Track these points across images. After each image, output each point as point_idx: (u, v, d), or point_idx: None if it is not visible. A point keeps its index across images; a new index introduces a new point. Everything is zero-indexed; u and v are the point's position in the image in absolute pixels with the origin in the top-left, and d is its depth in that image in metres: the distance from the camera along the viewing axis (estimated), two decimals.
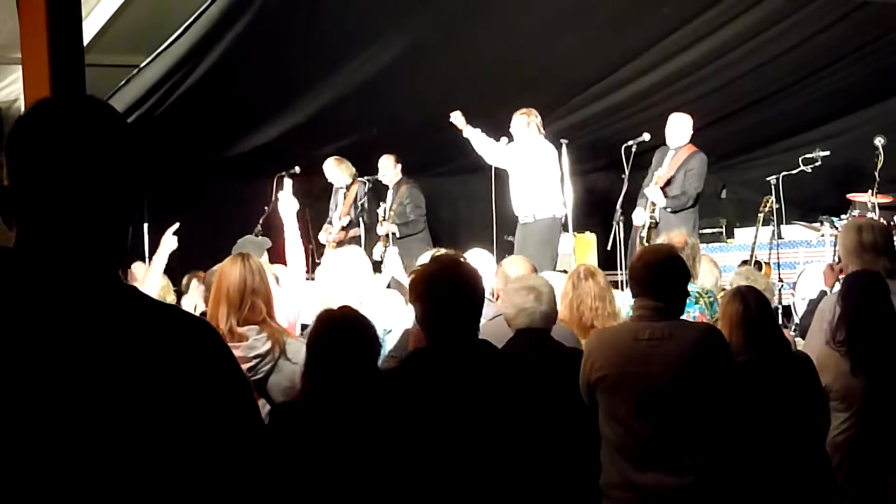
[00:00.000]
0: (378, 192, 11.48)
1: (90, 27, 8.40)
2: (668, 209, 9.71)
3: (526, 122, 9.91)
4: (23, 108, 9.55)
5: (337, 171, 11.51)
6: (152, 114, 10.27)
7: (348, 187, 11.56)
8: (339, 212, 11.54)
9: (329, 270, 5.77)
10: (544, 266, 8.81)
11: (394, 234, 11.12)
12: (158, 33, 9.07)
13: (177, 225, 5.57)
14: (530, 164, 9.86)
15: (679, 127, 9.95)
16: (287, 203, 5.89)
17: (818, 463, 4.66)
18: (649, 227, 9.73)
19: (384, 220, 11.18)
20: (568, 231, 9.71)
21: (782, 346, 4.80)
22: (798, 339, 6.64)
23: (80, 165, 1.72)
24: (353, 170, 11.56)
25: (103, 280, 1.75)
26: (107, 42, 8.88)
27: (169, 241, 5.50)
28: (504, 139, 10.12)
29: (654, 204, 9.77)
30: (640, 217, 9.91)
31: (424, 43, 9.89)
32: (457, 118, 10.17)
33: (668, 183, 9.74)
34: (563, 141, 10.53)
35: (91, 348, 1.67)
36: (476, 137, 10.22)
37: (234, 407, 1.79)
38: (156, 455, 1.68)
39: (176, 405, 1.70)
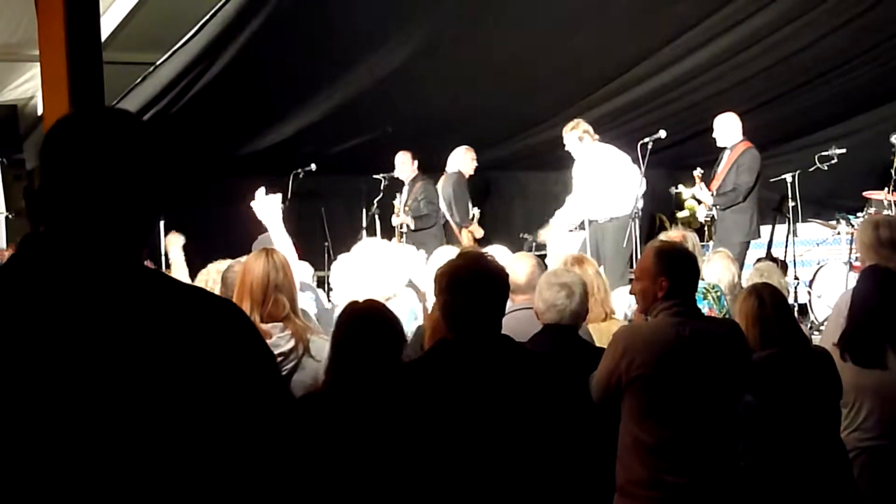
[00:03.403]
0: (393, 189, 11.48)
1: (106, 25, 8.45)
2: (718, 207, 9.77)
3: (578, 137, 10.11)
4: (39, 106, 9.61)
5: (409, 165, 11.59)
6: (168, 111, 10.31)
7: (412, 182, 11.61)
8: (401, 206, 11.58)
9: (356, 264, 5.71)
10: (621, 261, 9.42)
11: (408, 226, 11.17)
12: (174, 31, 9.11)
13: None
14: (595, 172, 10.03)
15: (725, 127, 9.93)
16: (265, 206, 5.79)
17: (837, 458, 4.64)
18: (707, 224, 9.83)
19: (398, 213, 11.23)
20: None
21: (801, 341, 4.77)
22: (814, 336, 6.65)
23: (107, 171, 1.84)
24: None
25: (127, 264, 1.84)
26: (123, 40, 8.93)
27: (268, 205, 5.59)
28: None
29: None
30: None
31: (439, 41, 9.92)
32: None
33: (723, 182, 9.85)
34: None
35: (117, 329, 1.74)
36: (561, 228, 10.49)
37: (262, 384, 1.85)
38: (182, 433, 1.73)
39: (203, 382, 1.76)
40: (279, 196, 5.83)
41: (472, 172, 11.61)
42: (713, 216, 9.93)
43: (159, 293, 1.83)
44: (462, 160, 11.51)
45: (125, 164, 1.85)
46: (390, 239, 11.32)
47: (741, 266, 8.87)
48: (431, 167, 11.99)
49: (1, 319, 1.73)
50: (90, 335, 1.72)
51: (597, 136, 10.16)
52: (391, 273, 5.67)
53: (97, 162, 1.83)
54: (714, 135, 9.93)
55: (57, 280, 1.77)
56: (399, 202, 11.41)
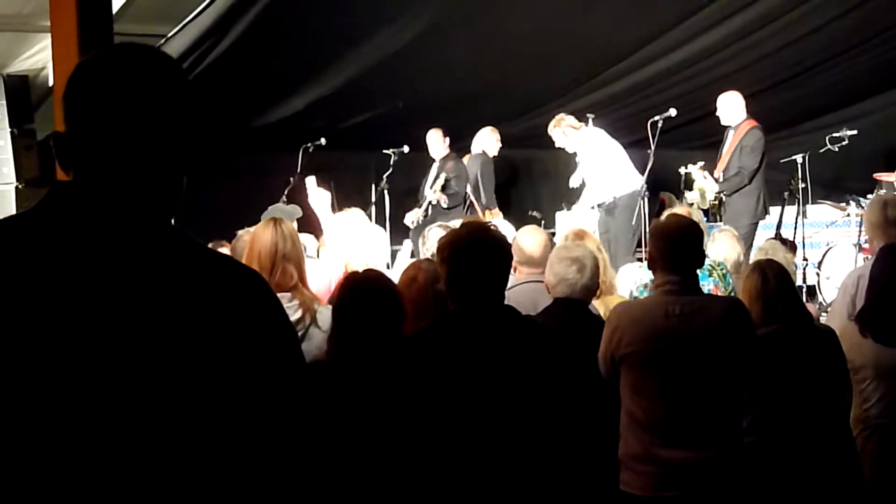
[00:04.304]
0: (402, 165, 11.45)
1: None
2: (724, 193, 9.82)
3: (562, 133, 10.28)
4: (51, 77, 9.61)
5: (440, 142, 11.54)
6: None
7: (443, 160, 11.54)
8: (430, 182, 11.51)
9: (331, 236, 5.69)
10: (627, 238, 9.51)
11: (439, 203, 11.19)
12: (186, 3, 9.10)
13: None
14: (589, 159, 10.15)
15: (728, 106, 9.94)
16: (318, 199, 5.78)
17: (841, 435, 4.67)
18: (718, 205, 9.97)
19: (435, 190, 11.22)
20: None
21: (805, 318, 4.79)
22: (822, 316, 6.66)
23: (137, 111, 1.76)
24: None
25: (156, 222, 1.79)
26: (134, 12, 8.92)
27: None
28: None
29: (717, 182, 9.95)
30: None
31: (451, 16, 9.89)
32: None
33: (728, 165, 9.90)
34: (590, 115, 10.55)
35: (142, 287, 1.71)
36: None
37: (280, 354, 1.82)
38: (199, 397, 1.71)
39: (223, 347, 1.73)
40: (327, 193, 5.83)
41: (496, 154, 11.63)
42: (721, 199, 9.95)
43: (186, 255, 1.80)
44: (487, 141, 11.56)
45: (155, 101, 1.78)
46: (406, 213, 11.37)
47: (750, 247, 8.88)
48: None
49: (23, 268, 1.70)
50: (112, 292, 1.69)
51: (580, 125, 10.24)
52: (376, 246, 5.67)
53: (126, 97, 1.77)
54: (717, 113, 9.93)
55: (84, 231, 1.73)
56: (429, 180, 11.41)
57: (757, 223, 9.75)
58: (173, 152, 1.81)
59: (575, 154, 10.52)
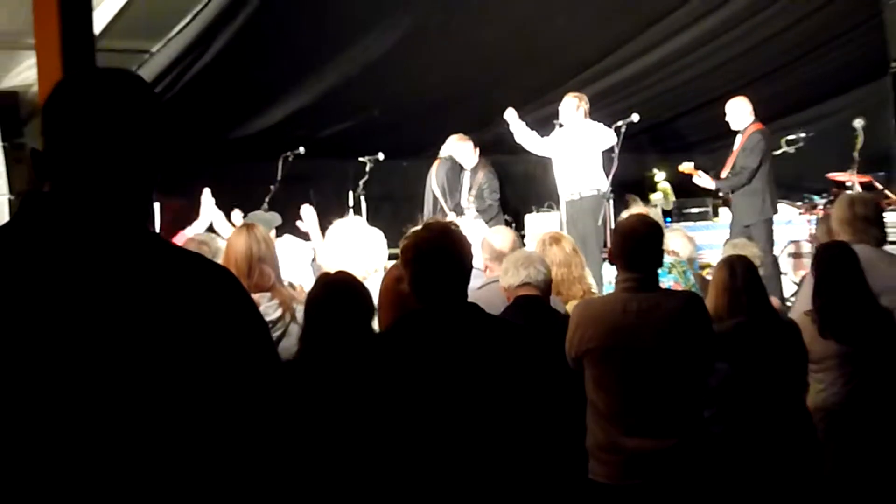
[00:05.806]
0: (378, 172, 11.65)
1: (105, 13, 8.54)
2: (721, 191, 10.20)
3: (576, 106, 10.27)
4: (38, 93, 9.74)
5: (471, 151, 11.51)
6: (162, 98, 10.40)
7: (474, 170, 11.50)
8: (466, 195, 11.45)
9: (334, 243, 5.75)
10: (596, 240, 9.47)
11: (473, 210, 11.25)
12: (171, 19, 9.27)
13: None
14: (582, 146, 10.15)
15: (735, 111, 10.27)
16: (309, 218, 5.94)
17: (801, 423, 4.86)
18: (724, 203, 10.30)
19: (467, 206, 11.33)
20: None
21: (768, 311, 4.96)
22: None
23: (110, 129, 1.87)
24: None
25: (128, 225, 1.86)
26: (121, 28, 9.00)
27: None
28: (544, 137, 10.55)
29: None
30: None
31: (426, 25, 10.03)
32: (510, 114, 10.66)
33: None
34: (558, 122, 10.77)
35: (119, 290, 1.77)
36: (520, 130, 10.68)
37: (253, 351, 1.88)
38: (175, 395, 1.76)
39: (197, 346, 1.79)
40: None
41: (467, 159, 11.57)
42: (725, 200, 10.27)
43: (158, 256, 1.85)
44: (454, 147, 11.51)
45: (126, 121, 1.87)
46: (381, 218, 11.49)
47: (772, 244, 9.38)
48: (417, 150, 12.25)
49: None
50: (88, 296, 1.74)
51: (590, 117, 10.37)
52: (372, 250, 5.67)
53: (100, 118, 1.85)
54: (727, 119, 10.24)
55: (57, 239, 1.79)
56: (463, 188, 11.41)
57: (769, 220, 9.94)
58: (143, 165, 1.91)
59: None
